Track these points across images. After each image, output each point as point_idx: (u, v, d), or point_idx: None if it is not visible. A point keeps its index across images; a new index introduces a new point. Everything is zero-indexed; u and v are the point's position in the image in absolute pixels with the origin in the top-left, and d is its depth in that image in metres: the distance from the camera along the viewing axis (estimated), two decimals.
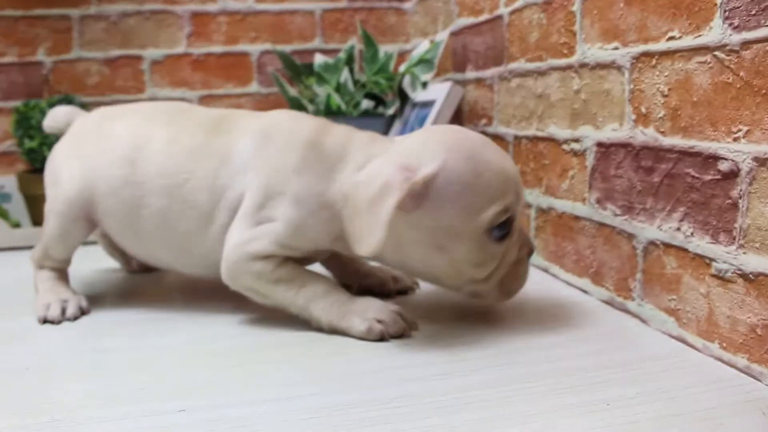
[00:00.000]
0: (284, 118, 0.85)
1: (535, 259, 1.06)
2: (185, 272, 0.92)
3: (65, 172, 0.92)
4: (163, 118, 0.90)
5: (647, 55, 0.77)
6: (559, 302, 0.89)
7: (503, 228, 0.75)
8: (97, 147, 0.91)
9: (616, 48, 0.83)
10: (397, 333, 0.77)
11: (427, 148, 0.75)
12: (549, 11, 0.98)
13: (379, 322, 0.77)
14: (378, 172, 0.72)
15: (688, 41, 0.70)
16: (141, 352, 0.77)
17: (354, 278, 0.95)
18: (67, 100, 1.45)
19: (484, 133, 1.22)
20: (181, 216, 0.84)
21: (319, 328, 0.80)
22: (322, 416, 0.60)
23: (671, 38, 0.73)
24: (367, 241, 0.70)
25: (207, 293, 0.99)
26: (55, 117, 1.01)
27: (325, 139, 0.81)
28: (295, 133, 0.81)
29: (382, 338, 0.76)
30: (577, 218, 0.94)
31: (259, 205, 0.80)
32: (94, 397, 0.65)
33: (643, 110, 0.78)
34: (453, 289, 0.81)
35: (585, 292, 0.92)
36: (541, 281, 0.99)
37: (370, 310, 0.78)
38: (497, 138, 1.17)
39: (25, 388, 0.68)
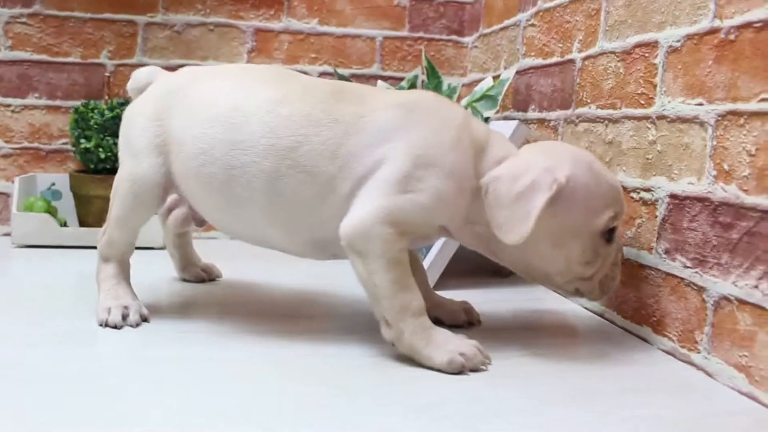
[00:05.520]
0: (431, 97, 0.87)
1: (589, 303, 1.06)
2: (278, 246, 0.90)
3: (141, 139, 0.92)
4: (262, 77, 0.89)
5: (735, 113, 0.78)
6: (620, 348, 0.90)
7: (612, 231, 0.86)
8: (184, 107, 0.90)
9: (701, 104, 0.84)
10: (475, 367, 0.78)
11: (553, 157, 0.84)
12: (628, 61, 0.99)
13: (461, 355, 0.77)
14: (523, 170, 0.81)
15: None
16: (211, 365, 0.78)
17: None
18: (126, 104, 1.47)
19: None
20: (290, 180, 0.83)
21: (392, 342, 0.80)
22: None
23: (764, 99, 0.74)
24: (516, 231, 0.79)
25: (266, 307, 1.01)
26: (136, 78, 1.01)
27: (473, 126, 0.86)
28: (450, 113, 0.85)
29: (460, 371, 0.77)
30: (641, 266, 0.95)
31: (405, 174, 0.80)
32: (185, 412, 0.66)
33: (726, 167, 0.79)
34: (558, 287, 0.88)
35: (645, 340, 0.93)
36: (597, 326, 1.00)
37: (451, 343, 0.79)
38: None
39: (108, 397, 0.69)
